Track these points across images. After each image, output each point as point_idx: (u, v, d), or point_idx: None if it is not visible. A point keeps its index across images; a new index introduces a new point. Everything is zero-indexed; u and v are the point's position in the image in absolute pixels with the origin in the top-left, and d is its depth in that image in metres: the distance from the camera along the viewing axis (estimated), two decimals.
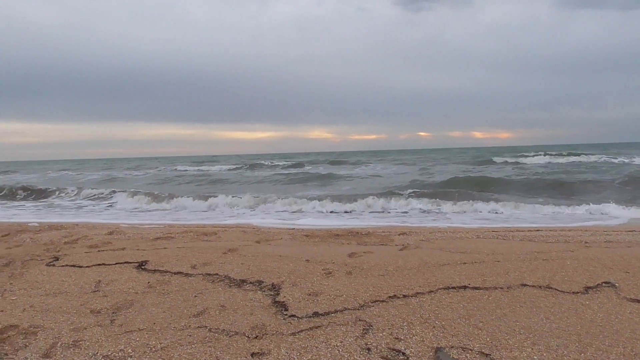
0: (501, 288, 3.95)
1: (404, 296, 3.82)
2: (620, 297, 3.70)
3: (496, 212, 11.50)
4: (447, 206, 12.30)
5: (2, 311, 3.73)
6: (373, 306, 3.62)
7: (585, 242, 6.00)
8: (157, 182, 26.38)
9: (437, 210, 12.11)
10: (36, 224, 9.55)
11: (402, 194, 14.56)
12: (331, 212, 12.45)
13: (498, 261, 4.86)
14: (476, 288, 3.97)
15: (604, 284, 4.03)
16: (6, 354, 2.97)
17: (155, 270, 4.86)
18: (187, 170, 39.48)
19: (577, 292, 3.81)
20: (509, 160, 38.44)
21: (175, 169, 42.79)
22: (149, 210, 14.10)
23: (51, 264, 5.31)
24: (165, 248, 6.08)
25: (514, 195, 14.54)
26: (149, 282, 4.43)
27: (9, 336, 3.23)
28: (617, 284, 3.99)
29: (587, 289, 3.91)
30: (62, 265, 5.20)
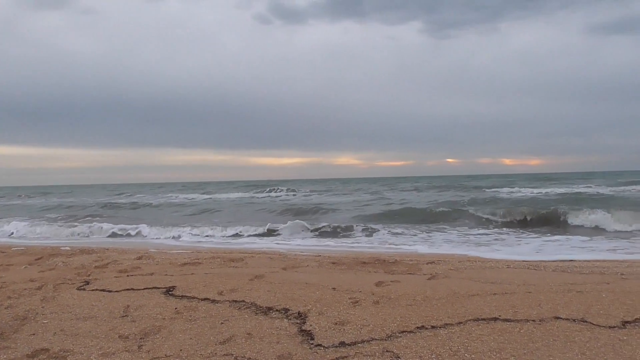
0: (533, 320, 3.83)
1: (433, 327, 3.74)
2: None
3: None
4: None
5: (34, 334, 3.80)
6: (400, 337, 3.55)
7: (622, 274, 5.79)
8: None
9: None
10: (68, 248, 9.76)
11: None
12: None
13: (530, 292, 4.73)
14: (507, 320, 3.86)
15: None
16: None
17: (182, 296, 4.89)
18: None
19: (614, 327, 3.66)
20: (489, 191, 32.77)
21: None
22: None
23: (82, 288, 5.41)
24: (192, 274, 6.13)
25: None
26: (176, 308, 4.45)
27: None
28: None
29: (625, 323, 3.74)
30: (93, 290, 5.29)
